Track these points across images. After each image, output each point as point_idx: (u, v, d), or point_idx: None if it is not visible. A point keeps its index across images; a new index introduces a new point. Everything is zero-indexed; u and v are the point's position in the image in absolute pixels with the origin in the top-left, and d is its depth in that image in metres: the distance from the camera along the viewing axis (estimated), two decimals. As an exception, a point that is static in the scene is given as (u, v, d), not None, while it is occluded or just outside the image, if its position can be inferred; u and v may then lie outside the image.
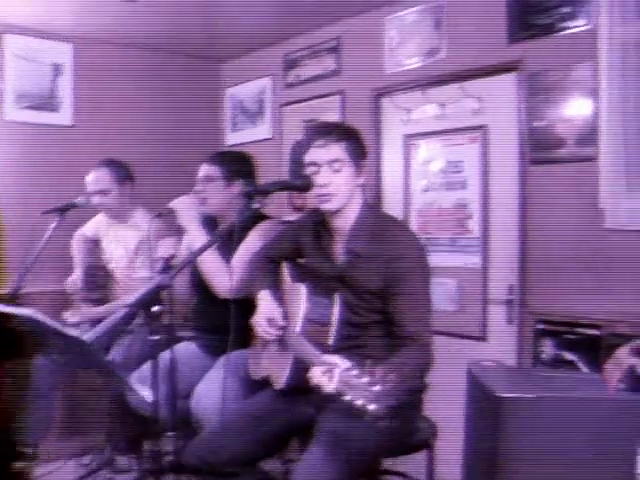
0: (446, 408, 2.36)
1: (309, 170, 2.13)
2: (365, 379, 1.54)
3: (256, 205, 2.00)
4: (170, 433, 3.53)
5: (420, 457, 2.28)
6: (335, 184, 2.09)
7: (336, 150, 2.10)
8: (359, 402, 1.53)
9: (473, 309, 3.29)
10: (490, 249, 3.26)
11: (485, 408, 1.45)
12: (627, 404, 1.54)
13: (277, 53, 4.32)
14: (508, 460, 1.40)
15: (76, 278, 3.52)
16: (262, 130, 4.45)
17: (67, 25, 3.96)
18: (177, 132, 4.42)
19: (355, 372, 1.58)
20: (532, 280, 3.06)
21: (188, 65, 4.61)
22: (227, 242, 2.46)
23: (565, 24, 2.89)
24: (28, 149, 3.95)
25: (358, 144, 2.17)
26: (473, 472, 1.47)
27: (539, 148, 3.01)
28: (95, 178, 3.36)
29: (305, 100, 4.12)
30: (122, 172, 3.44)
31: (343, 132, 2.17)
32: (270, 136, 4.40)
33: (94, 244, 3.71)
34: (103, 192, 3.37)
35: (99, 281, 3.44)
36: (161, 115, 4.34)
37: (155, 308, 1.75)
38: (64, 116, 4.12)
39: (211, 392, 2.48)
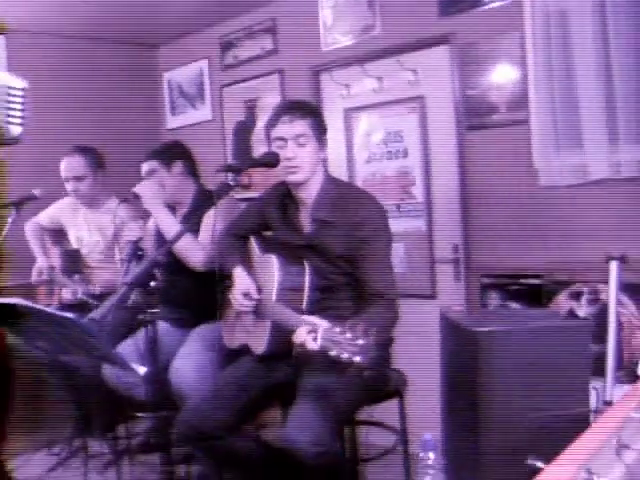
0: (408, 361, 2.57)
1: (276, 145, 2.26)
2: (348, 335, 1.71)
3: (232, 182, 2.12)
4: (142, 414, 3.64)
5: (390, 407, 2.48)
6: (301, 157, 2.24)
7: (301, 126, 2.25)
8: (345, 356, 1.70)
9: (421, 270, 3.50)
10: (434, 212, 3.46)
11: (462, 344, 1.64)
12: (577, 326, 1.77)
13: (213, 35, 4.39)
14: (485, 390, 1.59)
15: (41, 266, 3.56)
16: (202, 112, 4.53)
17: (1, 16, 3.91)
18: (117, 120, 4.43)
19: (338, 329, 1.74)
20: (475, 238, 3.27)
21: (123, 52, 4.61)
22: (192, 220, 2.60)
23: (491, -3, 3.09)
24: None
25: (320, 120, 2.34)
26: (453, 406, 1.66)
27: (474, 115, 3.21)
28: (69, 165, 3.40)
29: (244, 80, 4.22)
30: (95, 159, 3.49)
31: (307, 109, 2.33)
32: (211, 118, 4.48)
33: (56, 232, 3.75)
34: (78, 178, 3.42)
35: (77, 266, 3.50)
36: (99, 104, 4.35)
37: (152, 284, 1.86)
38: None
39: (188, 365, 2.60)
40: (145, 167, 3.05)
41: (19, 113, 1.18)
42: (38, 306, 2.05)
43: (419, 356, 2.81)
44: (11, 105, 1.16)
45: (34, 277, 3.60)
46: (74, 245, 3.70)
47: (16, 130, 1.19)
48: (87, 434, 3.70)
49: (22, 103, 1.18)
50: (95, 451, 3.69)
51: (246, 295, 2.34)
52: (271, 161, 2.22)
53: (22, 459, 3.68)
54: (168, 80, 4.78)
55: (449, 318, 1.74)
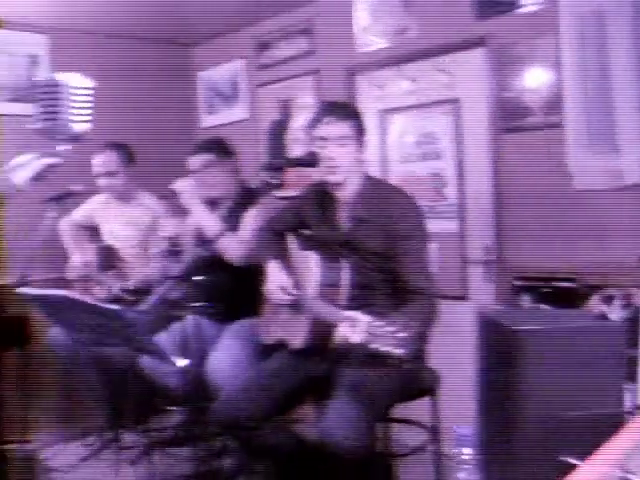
0: (439, 360, 2.60)
1: (317, 145, 2.31)
2: (390, 328, 1.76)
3: (274, 180, 2.18)
4: (173, 407, 3.70)
5: (420, 407, 2.51)
6: (341, 158, 2.30)
7: (343, 127, 2.32)
8: (386, 348, 1.74)
9: (453, 271, 3.52)
10: (466, 214, 3.48)
11: (500, 342, 1.68)
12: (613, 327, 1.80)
13: (248, 35, 4.44)
14: (522, 387, 1.63)
15: (77, 264, 3.64)
16: (238, 112, 4.58)
17: (41, 16, 4.01)
18: (152, 119, 4.49)
19: (379, 323, 1.79)
20: (508, 240, 3.28)
21: (157, 51, 4.67)
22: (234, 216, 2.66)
23: (528, 0, 3.11)
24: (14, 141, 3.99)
25: (361, 122, 2.41)
26: (489, 402, 1.69)
27: (508, 117, 3.23)
28: (102, 161, 3.49)
29: (280, 80, 4.27)
30: (127, 154, 3.59)
31: (349, 111, 2.41)
32: (246, 117, 4.54)
33: (90, 229, 3.84)
34: (111, 174, 3.50)
35: (112, 261, 3.58)
36: (133, 102, 4.41)
37: (198, 278, 1.92)
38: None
39: (225, 359, 2.66)
40: (197, 160, 3.07)
41: (84, 112, 1.24)
42: (83, 298, 2.13)
43: (450, 356, 2.83)
44: (76, 104, 1.22)
45: (69, 274, 3.68)
46: (108, 241, 3.78)
47: (81, 128, 1.25)
48: (120, 426, 3.78)
49: (87, 102, 1.24)
50: (127, 443, 3.76)
51: (282, 289, 2.40)
52: (312, 161, 2.28)
53: (56, 449, 3.78)
54: (203, 79, 4.84)
55: (488, 316, 1.78)
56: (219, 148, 3.12)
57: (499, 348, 1.68)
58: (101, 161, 3.51)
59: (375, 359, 1.80)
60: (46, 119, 1.22)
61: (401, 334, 1.72)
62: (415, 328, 1.79)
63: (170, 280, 1.89)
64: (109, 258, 3.70)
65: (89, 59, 4.28)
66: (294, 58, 4.16)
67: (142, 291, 3.25)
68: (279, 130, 4.22)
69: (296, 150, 4.06)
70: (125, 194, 3.67)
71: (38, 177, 1.23)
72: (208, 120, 4.85)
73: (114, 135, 4.10)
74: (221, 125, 4.67)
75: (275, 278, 2.41)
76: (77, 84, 1.22)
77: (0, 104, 4.03)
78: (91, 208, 3.83)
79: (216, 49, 4.73)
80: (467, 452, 1.71)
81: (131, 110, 4.39)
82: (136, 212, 3.64)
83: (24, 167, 1.22)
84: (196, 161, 3.07)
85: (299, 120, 4.12)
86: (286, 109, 4.22)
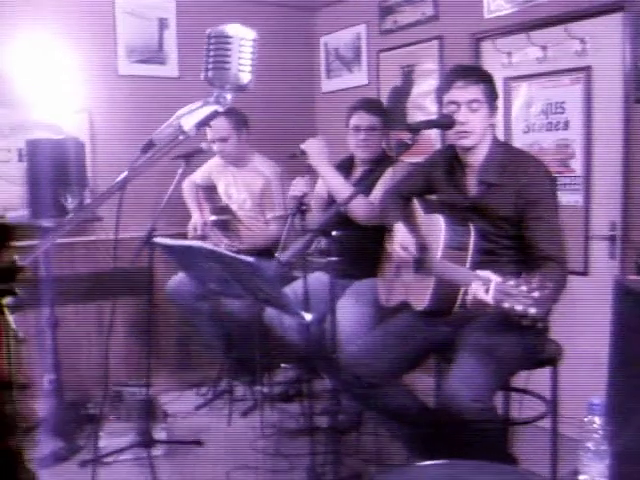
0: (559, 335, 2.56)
1: (449, 109, 2.30)
2: (523, 287, 1.75)
3: (409, 142, 2.19)
4: (289, 365, 3.81)
5: (540, 378, 2.49)
6: (473, 122, 2.29)
7: (475, 91, 2.29)
8: (519, 307, 1.74)
9: (575, 245, 3.42)
10: (593, 187, 3.37)
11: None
12: None
13: (372, 0, 4.42)
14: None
15: (196, 222, 3.79)
16: (358, 77, 4.58)
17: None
18: (274, 81, 4.57)
19: (512, 282, 1.78)
20: (635, 216, 3.17)
21: (282, 14, 4.73)
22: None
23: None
24: (140, 101, 4.16)
25: (492, 87, 2.37)
26: (624, 372, 1.66)
27: (644, 88, 3.09)
28: (214, 126, 3.58)
29: (402, 46, 4.23)
30: (239, 120, 3.66)
31: (481, 75, 2.38)
32: (367, 82, 4.53)
33: (209, 189, 3.97)
34: (223, 139, 3.61)
35: (228, 221, 3.71)
36: (259, 65, 4.50)
37: (335, 233, 1.97)
38: (171, 68, 4.34)
39: (346, 317, 2.72)
40: (362, 121, 3.14)
41: (249, 62, 1.29)
42: (219, 249, 2.23)
43: (570, 331, 2.78)
44: (242, 55, 1.27)
45: (190, 232, 3.83)
46: (224, 201, 3.90)
47: (246, 78, 1.30)
48: (235, 378, 3.94)
49: (252, 53, 1.29)
50: (239, 395, 3.92)
51: (405, 249, 2.42)
52: (447, 123, 2.27)
53: (173, 396, 3.99)
54: (325, 43, 4.87)
55: (628, 286, 1.74)
56: (382, 111, 3.19)
57: (639, 318, 1.64)
58: (214, 127, 3.58)
59: (506, 320, 1.79)
60: (216, 68, 1.27)
61: (536, 293, 1.71)
62: (548, 290, 1.77)
63: (309, 233, 1.94)
64: (225, 217, 3.83)
65: (214, 23, 4.39)
66: (418, 23, 4.12)
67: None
68: (400, 96, 4.20)
69: (418, 116, 4.04)
70: (239, 158, 3.76)
71: (203, 123, 1.29)
72: (328, 85, 4.88)
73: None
74: (341, 90, 4.69)
75: (402, 239, 2.43)
76: (244, 35, 1.27)
77: (133, 65, 4.20)
78: (209, 170, 3.96)
79: (340, 13, 4.73)
80: (597, 421, 1.69)
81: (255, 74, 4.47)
82: (250, 176, 3.73)
83: (191, 114, 1.28)
84: (362, 121, 3.13)
85: (421, 87, 4.09)
86: (408, 75, 4.19)
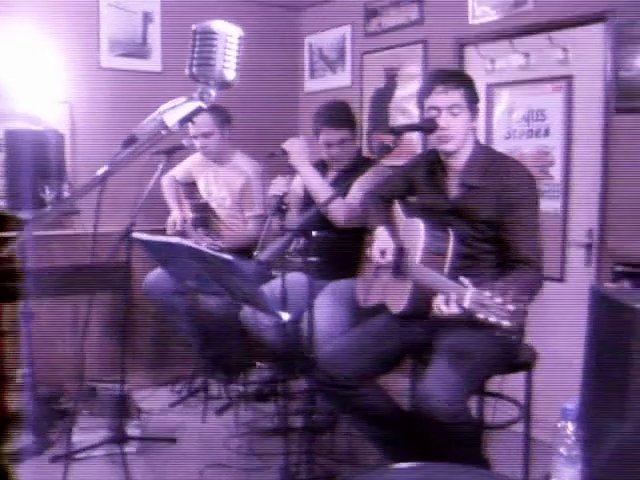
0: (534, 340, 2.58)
1: (430, 114, 2.31)
2: (498, 299, 1.76)
3: (391, 145, 2.20)
4: (264, 364, 3.81)
5: (514, 382, 2.51)
6: (454, 127, 2.30)
7: (455, 96, 2.31)
8: (493, 319, 1.75)
9: (552, 251, 3.45)
10: (571, 194, 3.40)
11: (616, 322, 1.65)
12: None
13: (358, 2, 4.42)
14: (637, 366, 1.60)
15: (175, 218, 3.77)
16: (342, 78, 4.59)
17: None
18: (257, 79, 4.55)
19: (488, 293, 1.79)
20: (612, 225, 3.19)
21: (267, 13, 4.72)
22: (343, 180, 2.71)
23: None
24: (122, 95, 4.13)
25: (473, 90, 2.39)
26: (598, 379, 1.68)
27: (624, 97, 3.12)
28: (198, 122, 3.56)
29: (387, 49, 4.24)
30: (222, 116, 3.65)
31: (461, 79, 2.39)
32: (350, 84, 4.54)
33: (189, 186, 3.95)
34: (206, 135, 3.59)
35: (207, 219, 3.69)
36: (242, 63, 4.48)
37: (315, 233, 1.97)
38: (154, 63, 4.31)
39: (321, 317, 2.72)
40: (331, 137, 3.16)
41: (235, 59, 1.29)
42: (198, 247, 2.22)
43: (545, 337, 2.80)
44: (227, 52, 1.26)
45: (169, 228, 3.81)
46: (205, 199, 3.89)
47: (231, 75, 1.30)
48: (210, 376, 3.92)
49: (238, 50, 1.29)
50: (214, 393, 3.91)
51: (383, 253, 2.43)
52: (429, 127, 2.28)
53: (147, 392, 3.96)
54: (309, 44, 4.87)
55: (604, 294, 1.75)
56: (350, 120, 3.21)
57: (614, 326, 1.65)
58: (196, 122, 3.57)
59: (481, 325, 1.80)
60: (201, 64, 1.27)
61: (510, 307, 1.72)
62: (523, 301, 1.78)
63: (289, 233, 1.94)
64: (204, 215, 3.81)
65: (199, 20, 4.37)
66: (403, 27, 4.13)
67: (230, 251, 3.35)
68: (382, 98, 4.21)
69: (400, 119, 4.05)
70: (220, 155, 3.74)
71: (187, 119, 1.29)
72: (311, 85, 4.88)
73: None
74: (324, 90, 4.70)
75: (381, 242, 2.44)
76: (231, 32, 1.26)
77: (115, 59, 4.17)
78: (190, 166, 3.94)
79: (325, 14, 4.73)
80: (570, 426, 1.70)
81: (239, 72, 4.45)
82: (230, 174, 3.72)
83: (175, 109, 1.28)
84: (331, 137, 3.16)
85: (404, 90, 4.11)
86: (391, 78, 4.20)
